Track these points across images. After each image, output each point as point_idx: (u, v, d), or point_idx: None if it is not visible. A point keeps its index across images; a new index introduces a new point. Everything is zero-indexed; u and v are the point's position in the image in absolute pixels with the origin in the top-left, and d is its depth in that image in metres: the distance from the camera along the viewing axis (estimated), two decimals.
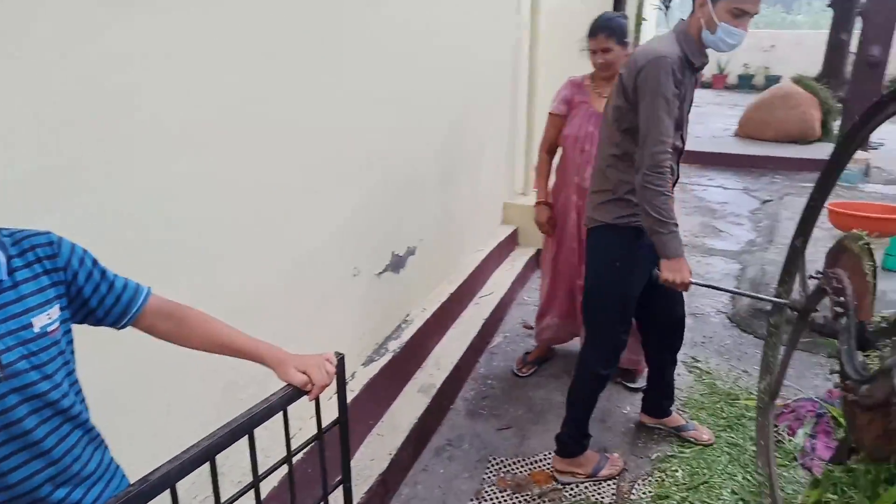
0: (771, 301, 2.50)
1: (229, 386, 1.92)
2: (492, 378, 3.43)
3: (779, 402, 2.82)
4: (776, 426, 2.86)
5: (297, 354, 1.24)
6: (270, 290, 2.06)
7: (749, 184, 7.26)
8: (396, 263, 2.96)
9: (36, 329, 0.99)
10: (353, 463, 1.68)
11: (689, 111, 2.34)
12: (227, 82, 1.75)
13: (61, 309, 1.05)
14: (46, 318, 1.01)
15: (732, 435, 2.92)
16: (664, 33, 2.29)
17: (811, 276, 2.08)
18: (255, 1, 1.82)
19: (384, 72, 2.61)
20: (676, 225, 2.16)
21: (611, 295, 2.48)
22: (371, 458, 2.51)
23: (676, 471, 2.70)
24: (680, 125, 2.25)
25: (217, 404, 1.88)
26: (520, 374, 3.43)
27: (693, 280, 2.20)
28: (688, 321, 4.01)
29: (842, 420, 2.68)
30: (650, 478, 2.69)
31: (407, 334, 3.02)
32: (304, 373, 1.20)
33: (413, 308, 3.24)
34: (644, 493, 2.59)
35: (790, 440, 2.85)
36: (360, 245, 2.62)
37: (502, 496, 2.59)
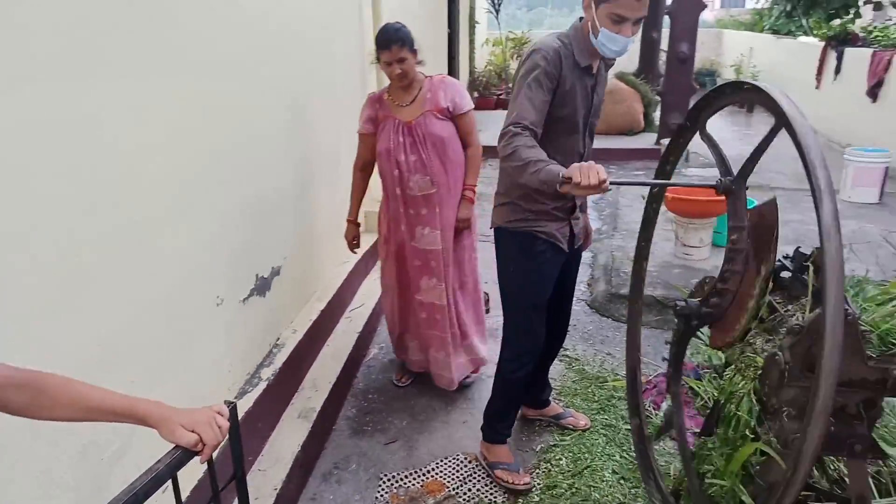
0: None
1: (89, 447, 1.69)
2: (372, 392, 3.35)
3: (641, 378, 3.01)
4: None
5: (182, 410, 1.10)
6: (125, 334, 1.84)
7: None
8: (262, 286, 2.80)
9: None
10: None
11: (590, 114, 2.35)
12: (35, 98, 1.53)
13: None
14: None
15: (606, 416, 3.08)
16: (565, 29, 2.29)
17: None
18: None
19: (228, 84, 2.44)
20: (550, 160, 2.01)
21: (510, 297, 2.53)
22: (255, 498, 2.34)
23: (561, 459, 2.79)
24: (575, 127, 2.28)
25: (76, 471, 1.65)
26: (399, 384, 3.38)
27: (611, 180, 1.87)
28: None
29: (698, 390, 2.91)
30: (538, 469, 2.76)
31: (280, 359, 2.87)
32: (193, 431, 1.07)
33: (283, 330, 3.08)
34: (534, 486, 2.65)
35: (656, 414, 3.05)
36: (221, 272, 2.44)
37: None
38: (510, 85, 11.27)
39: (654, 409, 3.11)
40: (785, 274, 1.69)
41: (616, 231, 5.50)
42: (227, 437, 1.15)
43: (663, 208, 4.92)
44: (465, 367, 3.29)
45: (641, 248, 2.41)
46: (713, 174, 7.35)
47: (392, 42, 2.81)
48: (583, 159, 2.36)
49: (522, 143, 2.05)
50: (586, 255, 5.07)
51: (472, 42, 10.93)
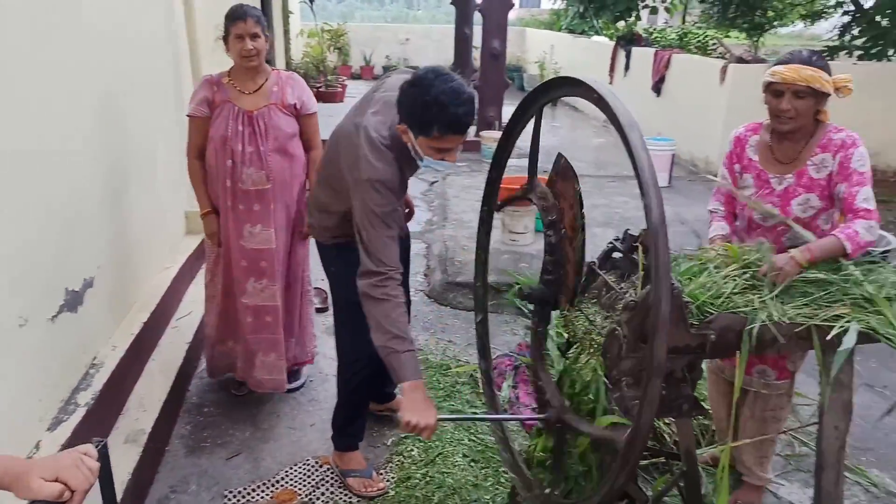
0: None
1: None
2: (208, 405, 3.13)
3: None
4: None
5: (41, 459, 0.93)
6: None
7: None
8: (73, 301, 2.48)
9: None
10: None
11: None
12: None
13: None
14: None
15: (452, 403, 3.16)
16: (381, 131, 2.06)
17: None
18: None
19: (23, 80, 2.13)
20: (413, 343, 2.01)
21: (339, 301, 2.49)
22: None
23: (412, 450, 2.82)
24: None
25: None
26: (238, 394, 3.19)
27: (441, 416, 1.94)
28: None
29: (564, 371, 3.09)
30: (390, 464, 2.76)
31: (99, 380, 2.57)
32: (56, 480, 0.91)
33: (101, 348, 2.76)
34: (389, 480, 2.65)
35: (498, 394, 3.19)
36: (23, 289, 2.12)
37: None
38: (328, 77, 11.10)
39: (496, 390, 3.25)
40: (617, 254, 1.83)
41: (447, 221, 5.65)
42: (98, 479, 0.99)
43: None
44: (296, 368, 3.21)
45: (481, 239, 2.48)
46: (524, 164, 7.82)
47: (248, 14, 2.64)
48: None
49: (398, 300, 1.98)
50: (421, 247, 5.16)
51: (286, 32, 10.58)
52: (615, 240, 1.83)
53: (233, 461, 2.77)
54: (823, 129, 2.15)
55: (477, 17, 8.60)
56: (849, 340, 1.70)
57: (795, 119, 2.08)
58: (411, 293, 4.34)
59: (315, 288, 4.22)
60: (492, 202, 2.38)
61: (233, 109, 2.74)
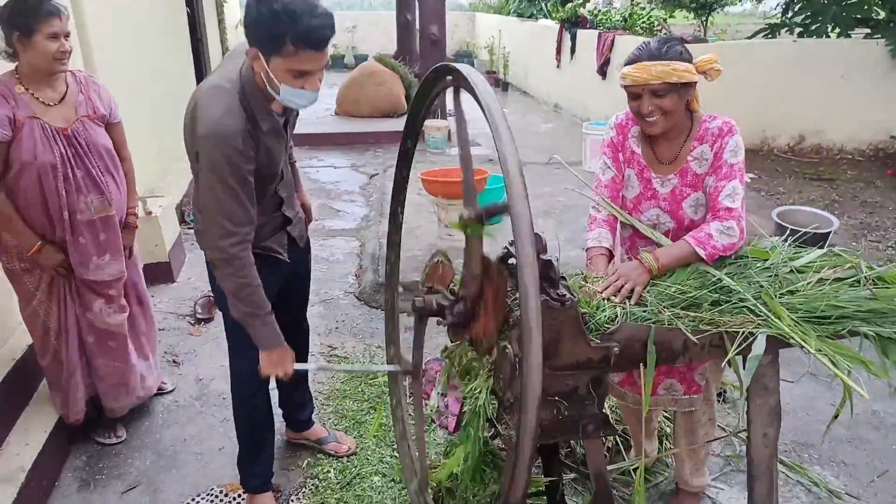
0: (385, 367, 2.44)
1: None
2: (111, 430, 2.85)
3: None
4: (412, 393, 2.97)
5: None
6: None
7: (355, 160, 7.60)
8: None
9: None
10: None
11: (285, 154, 2.07)
12: None
13: None
14: None
15: (376, 416, 2.94)
16: (230, 76, 1.84)
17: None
18: None
19: None
20: (270, 312, 1.95)
21: (228, 322, 2.20)
22: None
23: (328, 472, 2.60)
24: (275, 173, 2.02)
25: None
26: (108, 442, 2.79)
27: (296, 366, 2.05)
28: (319, 308, 4.02)
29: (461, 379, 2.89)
30: (304, 489, 2.53)
31: None
32: None
33: None
34: None
35: (426, 404, 2.99)
36: None
37: None
38: None
39: (424, 399, 3.04)
40: (512, 261, 1.63)
41: (383, 217, 5.41)
42: None
43: (424, 191, 4.94)
44: (149, 388, 2.92)
45: (391, 238, 2.25)
46: (476, 153, 7.58)
47: (59, 10, 2.24)
48: (282, 181, 2.11)
49: (249, 277, 1.88)
50: (354, 245, 4.92)
51: (221, 22, 10.12)
52: (510, 243, 1.63)
53: (128, 495, 2.51)
54: (698, 120, 1.96)
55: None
56: (758, 347, 1.56)
57: (662, 119, 1.88)
58: (340, 294, 4.15)
59: (203, 297, 3.97)
60: (401, 198, 2.16)
61: (42, 127, 2.30)
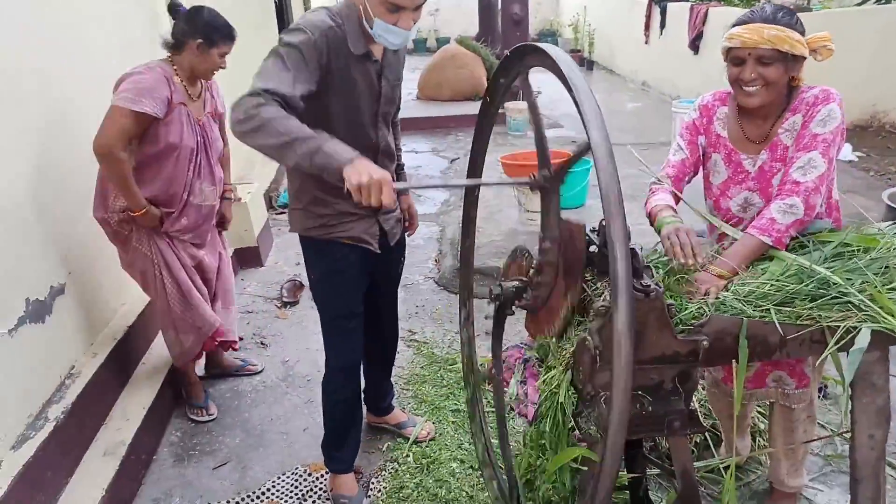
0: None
1: None
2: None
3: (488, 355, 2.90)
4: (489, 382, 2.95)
5: None
6: None
7: (436, 144, 7.60)
8: (38, 311, 2.35)
9: None
10: None
11: (381, 104, 2.03)
12: None
13: None
14: None
15: (455, 402, 2.94)
16: (330, 7, 1.90)
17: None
18: None
19: None
20: (315, 134, 1.61)
21: (320, 308, 2.26)
22: None
23: (408, 456, 2.62)
24: (361, 122, 1.98)
25: None
26: (199, 419, 2.92)
27: (396, 185, 1.57)
28: (399, 293, 4.04)
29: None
30: (384, 472, 2.57)
31: (73, 392, 2.45)
32: None
33: (79, 357, 2.64)
34: (380, 490, 2.47)
35: (506, 391, 2.95)
36: None
37: None
38: None
39: (504, 386, 3.01)
40: (593, 248, 1.56)
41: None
42: None
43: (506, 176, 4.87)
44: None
45: (468, 228, 2.21)
46: (556, 135, 7.42)
47: (235, 36, 2.59)
48: (378, 154, 2.08)
49: (274, 114, 1.59)
50: (435, 230, 4.93)
51: (306, 4, 10.28)
52: (591, 231, 1.56)
53: (219, 471, 2.63)
54: (797, 93, 1.80)
55: None
56: (861, 340, 1.42)
57: (763, 90, 1.74)
58: (420, 280, 4.16)
59: (289, 281, 4.07)
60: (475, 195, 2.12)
61: (188, 115, 2.55)
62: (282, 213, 5.35)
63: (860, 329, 1.45)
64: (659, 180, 1.98)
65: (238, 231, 4.25)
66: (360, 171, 1.51)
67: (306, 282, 4.07)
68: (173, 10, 2.58)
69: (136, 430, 2.58)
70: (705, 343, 1.43)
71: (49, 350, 2.43)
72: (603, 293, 1.47)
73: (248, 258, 4.38)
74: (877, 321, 1.45)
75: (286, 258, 4.57)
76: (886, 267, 1.56)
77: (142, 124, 2.41)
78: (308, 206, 2.07)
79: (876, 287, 1.49)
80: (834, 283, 1.54)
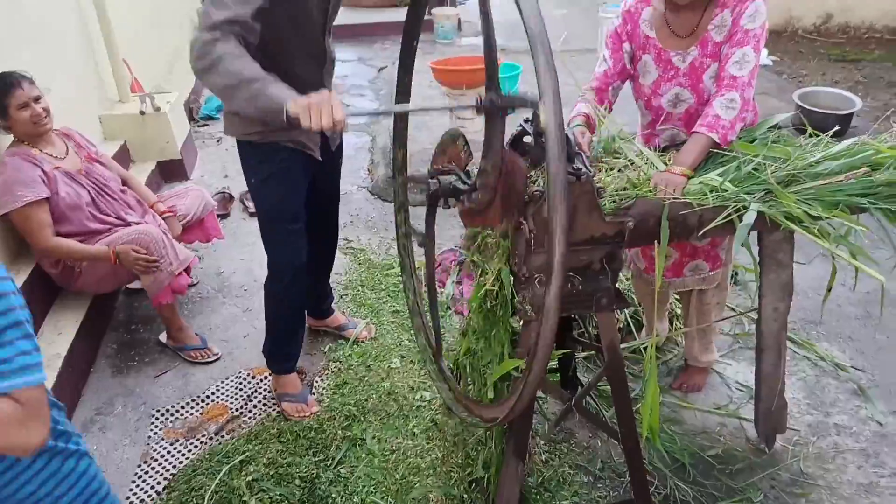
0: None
1: None
2: (136, 322, 2.97)
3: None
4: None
5: None
6: None
7: (362, 53, 7.36)
8: None
9: None
10: None
11: (325, 13, 1.96)
12: None
13: None
14: None
15: (394, 304, 3.02)
16: None
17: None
18: None
19: None
20: (270, 77, 1.60)
21: (260, 213, 2.24)
22: None
23: (349, 356, 2.70)
24: (312, 28, 1.93)
25: None
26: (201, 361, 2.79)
27: (350, 110, 1.53)
28: None
29: (479, 262, 2.94)
30: (326, 371, 2.65)
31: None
32: None
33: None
34: (325, 388, 2.55)
35: (441, 291, 3.06)
36: None
37: (175, 448, 2.30)
38: None
39: (439, 287, 3.11)
40: (527, 139, 1.61)
41: None
42: None
43: (435, 81, 4.81)
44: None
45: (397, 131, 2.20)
46: (479, 42, 7.25)
47: (20, 78, 2.41)
48: (327, 64, 2.07)
49: (227, 50, 1.58)
50: (365, 140, 4.87)
51: None
52: (525, 121, 1.61)
53: (161, 378, 2.64)
54: None
55: None
56: (748, 218, 1.58)
57: None
58: (353, 189, 4.15)
59: (218, 193, 3.97)
60: (405, 84, 2.10)
61: (69, 174, 2.56)
62: (204, 125, 5.15)
63: (748, 209, 1.59)
64: (583, 97, 2.03)
65: (159, 144, 4.08)
66: (304, 99, 1.50)
67: (236, 193, 4.02)
68: None
69: (70, 343, 2.55)
70: (630, 224, 1.53)
71: None
72: (536, 180, 1.53)
73: (172, 172, 4.22)
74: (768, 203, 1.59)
75: (211, 171, 4.44)
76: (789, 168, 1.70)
77: (45, 210, 2.43)
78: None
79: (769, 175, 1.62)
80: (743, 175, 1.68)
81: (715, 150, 1.81)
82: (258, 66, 1.61)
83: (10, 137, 2.51)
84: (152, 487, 2.14)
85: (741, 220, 1.60)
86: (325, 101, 1.47)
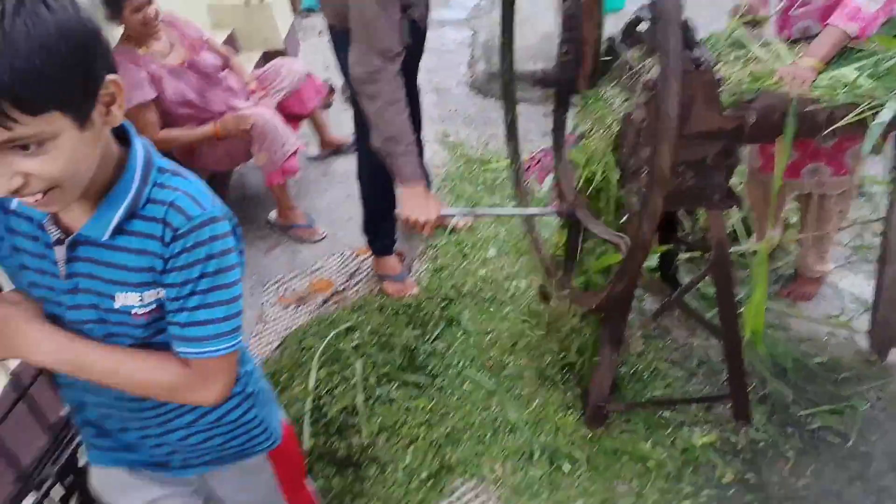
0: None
1: None
2: (248, 200, 3.12)
3: (525, 156, 2.93)
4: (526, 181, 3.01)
5: None
6: None
7: None
8: None
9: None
10: None
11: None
12: None
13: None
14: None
15: (494, 197, 3.03)
16: None
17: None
18: None
19: None
20: (412, 142, 1.87)
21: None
22: None
23: (447, 243, 2.76)
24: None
25: None
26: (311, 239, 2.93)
27: (443, 211, 1.91)
28: (431, 96, 4.00)
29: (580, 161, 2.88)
30: (425, 255, 2.72)
31: None
32: None
33: None
34: (423, 271, 2.63)
35: (540, 189, 3.02)
36: None
37: (286, 313, 2.47)
38: None
39: (539, 184, 3.08)
40: (643, 27, 1.52)
41: (495, 4, 5.12)
42: None
43: None
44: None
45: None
46: None
47: None
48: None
49: (392, 96, 1.80)
50: (466, 35, 4.75)
51: None
52: (641, 8, 1.51)
53: (272, 253, 2.80)
54: None
55: None
56: (884, 115, 1.44)
57: None
58: (452, 84, 4.09)
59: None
60: None
61: (174, 72, 2.58)
62: (306, 16, 5.16)
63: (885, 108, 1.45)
64: None
65: (265, 33, 4.12)
66: (411, 207, 1.83)
67: (338, 84, 4.05)
68: None
69: None
70: (752, 118, 1.44)
71: None
72: (651, 69, 1.45)
73: None
74: None
75: (313, 63, 4.47)
76: None
77: (152, 110, 2.51)
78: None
79: None
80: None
81: (851, 46, 1.66)
82: (410, 126, 1.85)
83: (121, 29, 2.56)
84: (268, 344, 2.32)
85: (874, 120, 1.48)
86: (420, 225, 1.82)
